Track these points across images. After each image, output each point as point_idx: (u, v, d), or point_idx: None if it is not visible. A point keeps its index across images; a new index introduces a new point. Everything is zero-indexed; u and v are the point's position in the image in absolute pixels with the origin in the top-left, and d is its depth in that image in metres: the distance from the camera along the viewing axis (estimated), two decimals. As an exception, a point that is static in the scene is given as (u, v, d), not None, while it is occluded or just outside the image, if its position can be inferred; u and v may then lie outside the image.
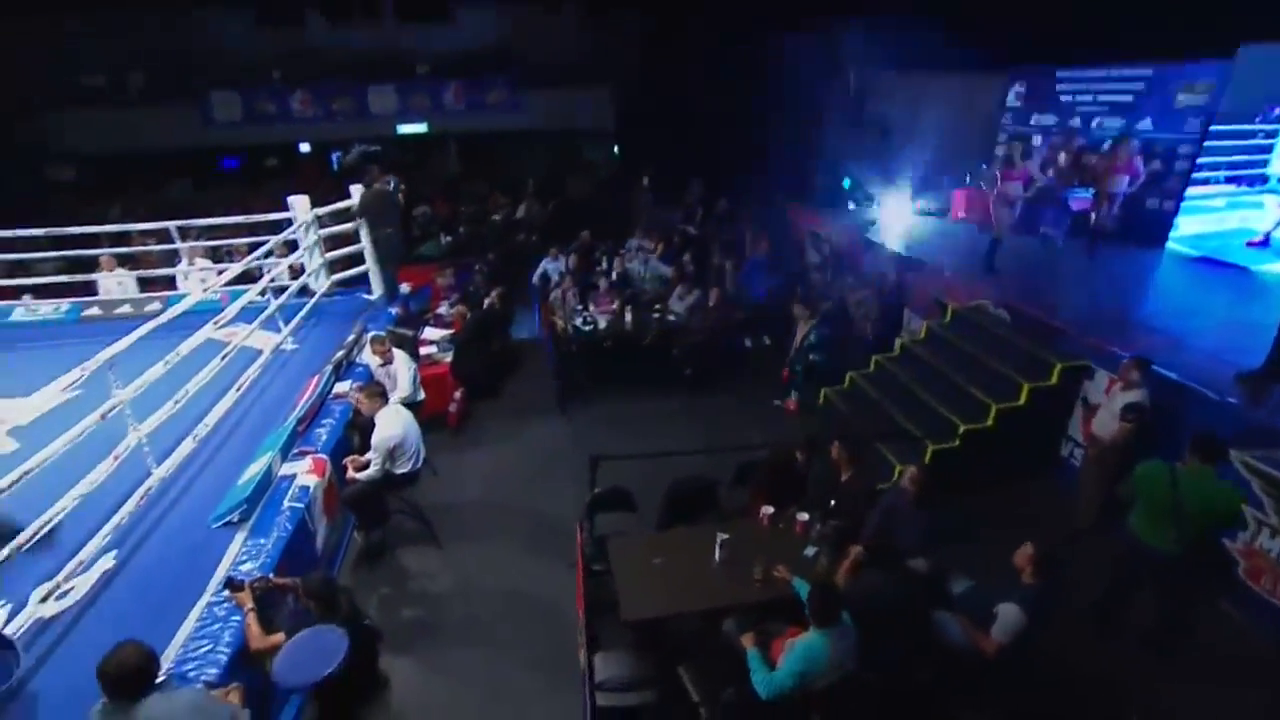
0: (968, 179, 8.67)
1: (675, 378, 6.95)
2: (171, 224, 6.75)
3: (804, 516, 3.85)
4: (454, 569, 4.70)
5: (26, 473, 3.03)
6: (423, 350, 6.52)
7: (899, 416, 5.51)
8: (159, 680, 2.50)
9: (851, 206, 9.45)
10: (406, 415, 4.60)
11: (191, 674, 2.85)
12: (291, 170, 14.39)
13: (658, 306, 7.51)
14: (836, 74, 10.56)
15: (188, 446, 4.19)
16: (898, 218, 8.41)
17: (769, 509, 3.94)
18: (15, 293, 7.35)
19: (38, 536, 3.19)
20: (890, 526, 3.75)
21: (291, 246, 6.92)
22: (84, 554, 3.36)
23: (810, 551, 3.68)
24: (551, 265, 8.65)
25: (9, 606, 3.15)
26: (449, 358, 6.58)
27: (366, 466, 4.42)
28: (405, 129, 13.99)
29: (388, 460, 4.38)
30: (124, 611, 3.21)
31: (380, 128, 13.86)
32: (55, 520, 3.29)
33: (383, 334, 5.36)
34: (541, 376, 7.24)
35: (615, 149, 16.06)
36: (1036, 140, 8.09)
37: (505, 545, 4.91)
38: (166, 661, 2.86)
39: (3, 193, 11.48)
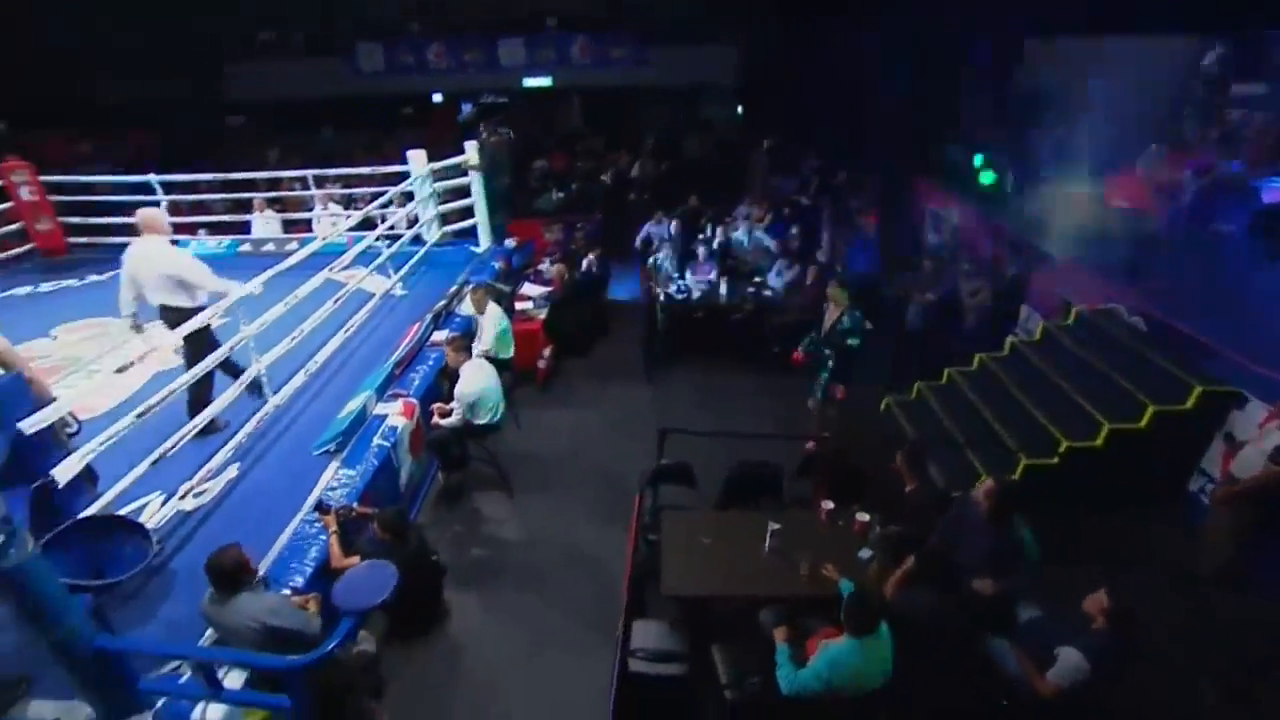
0: (1131, 161, 7.60)
1: (764, 355, 6.80)
2: (309, 172, 7.40)
3: (864, 517, 3.71)
4: (522, 518, 4.98)
5: (171, 391, 3.57)
6: (518, 305, 6.80)
7: (994, 423, 5.09)
8: (255, 580, 2.91)
9: (985, 186, 8.61)
10: (489, 370, 4.86)
11: (280, 579, 3.27)
12: (426, 119, 15.23)
13: (756, 279, 7.32)
14: (983, 36, 9.50)
15: (299, 379, 4.70)
16: (1038, 201, 7.56)
17: (829, 504, 3.83)
18: (193, 229, 8.43)
19: (181, 444, 3.74)
20: (957, 541, 3.53)
21: (409, 197, 7.39)
22: (214, 463, 3.90)
23: (865, 554, 3.55)
24: (655, 229, 8.62)
25: (162, 497, 3.73)
26: (543, 315, 6.81)
27: (450, 414, 4.74)
28: (531, 82, 14.30)
29: (468, 411, 4.67)
30: (240, 515, 3.73)
31: (508, 80, 14.24)
32: (194, 431, 3.84)
33: (479, 286, 5.63)
34: (634, 340, 7.34)
35: (738, 109, 15.57)
36: (1234, 116, 6.81)
37: (573, 502, 5.11)
38: (264, 565, 3.31)
39: (190, 138, 13.11)
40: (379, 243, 6.60)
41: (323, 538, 3.55)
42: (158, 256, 4.11)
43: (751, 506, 4.17)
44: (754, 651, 3.21)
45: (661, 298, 6.90)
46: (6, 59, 11.84)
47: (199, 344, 4.01)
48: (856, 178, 9.87)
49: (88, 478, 3.16)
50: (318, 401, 4.73)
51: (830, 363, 5.27)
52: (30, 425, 2.73)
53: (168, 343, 3.89)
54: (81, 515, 2.91)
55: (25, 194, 7.17)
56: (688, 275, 7.41)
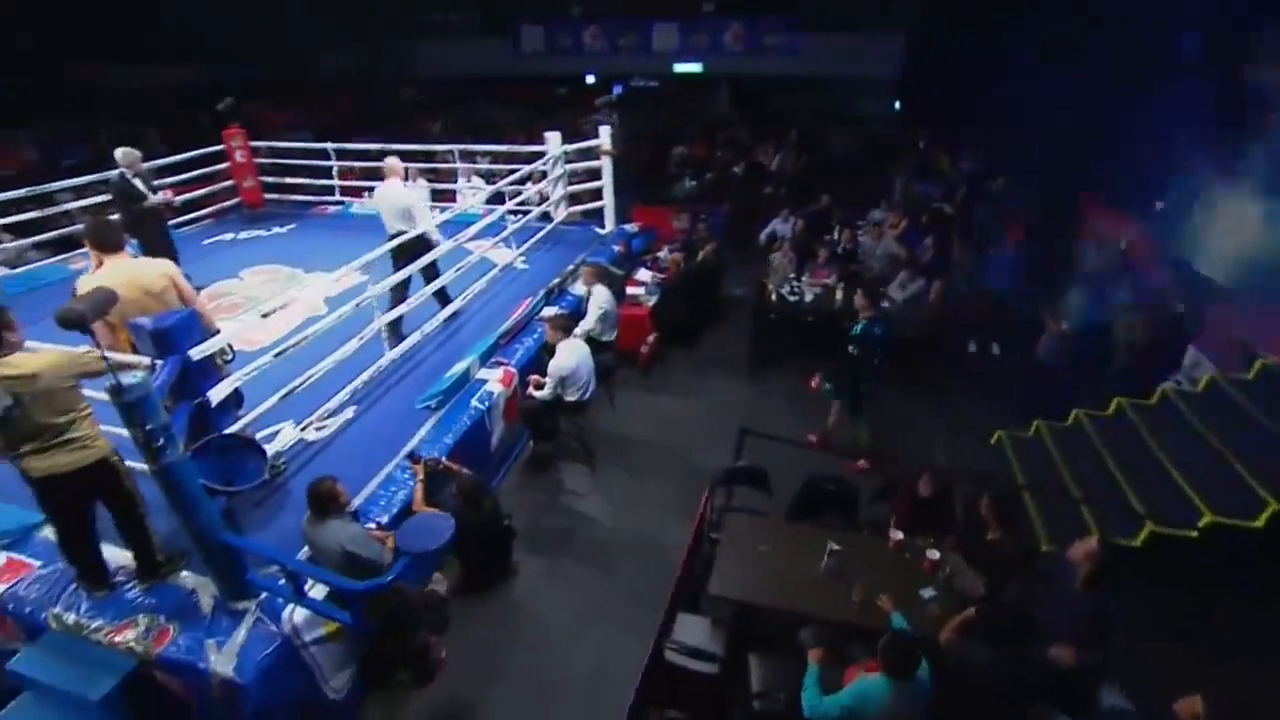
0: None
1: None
2: (455, 146, 8.03)
3: (935, 555, 3.49)
4: (600, 495, 5.18)
5: (304, 336, 4.12)
6: (629, 290, 6.97)
7: (1122, 479, 4.51)
8: (345, 510, 3.32)
9: (1164, 205, 7.50)
10: (583, 351, 5.07)
11: (368, 513, 3.69)
12: (578, 100, 15.83)
13: (881, 289, 6.95)
14: (1195, 32, 8.18)
15: (414, 338, 5.18)
16: (1233, 227, 6.47)
17: (899, 534, 3.64)
18: (358, 191, 9.46)
19: (310, 382, 4.31)
20: (1040, 600, 3.22)
21: (543, 175, 7.80)
22: (334, 403, 4.45)
23: (928, 593, 3.35)
24: (781, 226, 8.46)
25: (291, 424, 4.32)
26: (652, 301, 6.94)
27: (543, 387, 5.01)
28: (682, 68, 14.38)
29: (559, 386, 4.92)
30: (349, 452, 4.22)
31: (659, 65, 14.43)
32: (321, 373, 4.39)
33: (589, 266, 5.86)
34: (742, 336, 7.28)
35: (895, 104, 14.66)
36: None
37: (651, 487, 5.22)
38: (357, 500, 3.75)
39: (371, 108, 14.64)
40: (507, 217, 7.04)
41: (411, 484, 3.94)
42: (394, 194, 5.40)
43: (822, 523, 4.05)
44: (790, 668, 3.16)
45: (773, 297, 6.77)
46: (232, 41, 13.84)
47: (409, 256, 5.22)
48: (1015, 187, 9.00)
49: (235, 401, 3.74)
50: (428, 360, 5.20)
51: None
52: (197, 353, 3.29)
53: (317, 294, 4.49)
54: (223, 432, 3.45)
55: (239, 156, 8.43)
56: (804, 277, 7.20)
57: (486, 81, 15.23)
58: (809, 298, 6.75)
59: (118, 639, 3.01)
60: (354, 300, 4.64)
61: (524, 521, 4.70)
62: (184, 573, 3.28)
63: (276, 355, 4.01)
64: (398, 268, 5.17)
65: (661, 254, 7.93)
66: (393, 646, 3.54)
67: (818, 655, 2.95)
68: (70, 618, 3.11)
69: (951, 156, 10.72)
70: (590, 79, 15.86)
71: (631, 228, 8.31)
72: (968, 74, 11.50)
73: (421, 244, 5.32)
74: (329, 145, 8.55)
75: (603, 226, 8.06)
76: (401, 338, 5.18)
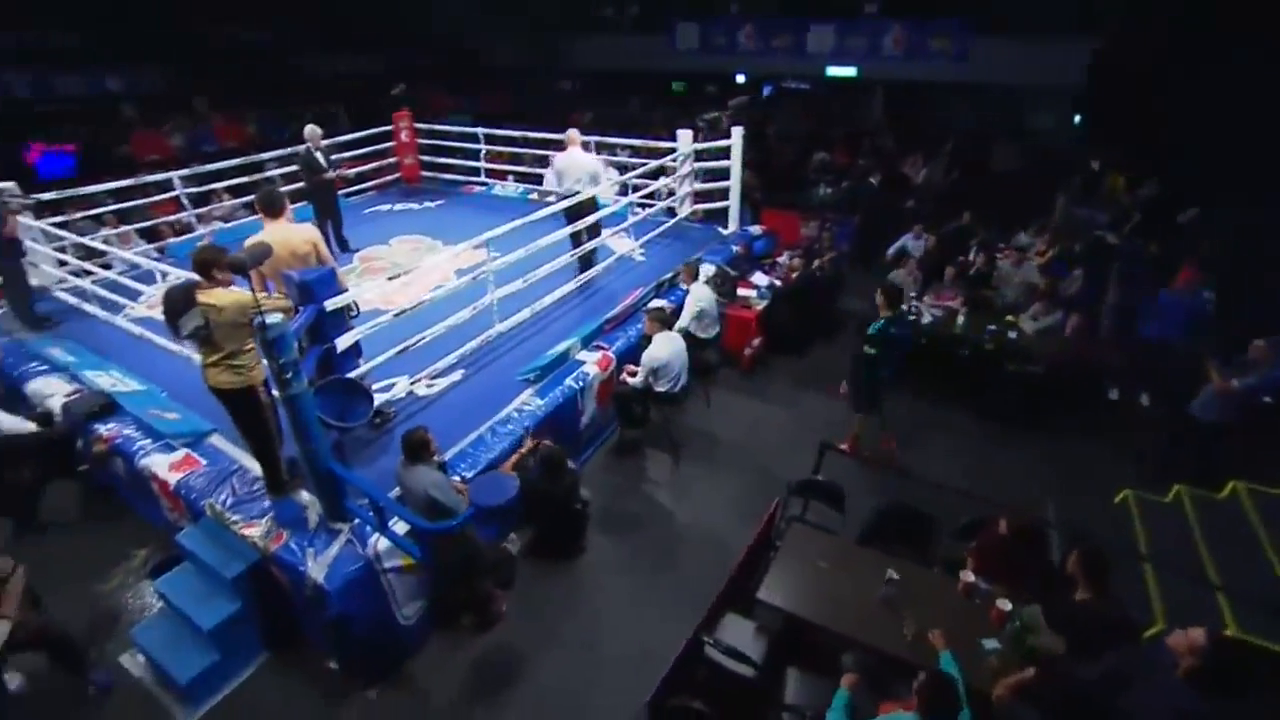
0: None
1: (986, 401, 6.01)
2: (594, 138, 8.40)
3: (1007, 605, 3.23)
4: (677, 487, 5.28)
5: (421, 302, 4.61)
6: (741, 291, 6.96)
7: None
8: (434, 459, 3.69)
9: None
10: (678, 344, 5.18)
11: (455, 467, 4.06)
12: (727, 98, 15.84)
13: (1009, 318, 6.42)
14: None
15: (524, 315, 5.56)
16: None
17: (971, 577, 3.41)
18: (503, 175, 10.21)
19: (424, 342, 4.80)
20: (1129, 684, 2.89)
21: (672, 172, 7.97)
22: (443, 364, 4.92)
23: (990, 644, 3.12)
24: (912, 242, 8.01)
25: (406, 379, 4.84)
26: (763, 305, 6.89)
27: (636, 375, 5.19)
28: (835, 71, 13.92)
29: (650, 376, 5.07)
30: (450, 410, 4.66)
31: (812, 67, 14.06)
32: (435, 335, 4.87)
33: (689, 263, 5.96)
34: (850, 352, 7.03)
35: (1075, 118, 13.22)
36: None
37: (730, 488, 5.23)
38: (449, 453, 4.14)
39: (529, 98, 15.61)
40: (633, 208, 7.30)
41: (498, 446, 4.29)
42: (582, 159, 6.35)
43: (892, 552, 3.87)
44: (827, 688, 3.09)
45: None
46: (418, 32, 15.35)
47: (581, 214, 6.18)
48: (1207, 221, 7.86)
49: (355, 352, 4.26)
50: (534, 337, 5.55)
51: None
52: (330, 304, 3.81)
53: (448, 264, 4.97)
54: (342, 376, 3.96)
55: (403, 136, 9.42)
56: (926, 298, 6.79)
57: (640, 77, 15.64)
58: (926, 319, 6.37)
59: (247, 533, 3.60)
60: (473, 273, 5.10)
61: (601, 501, 4.93)
62: (303, 492, 3.83)
63: (396, 315, 4.52)
64: (570, 222, 6.19)
65: (782, 259, 7.82)
66: (460, 591, 3.89)
67: (851, 680, 2.88)
68: (220, 509, 3.75)
69: (1129, 180, 9.52)
70: (741, 78, 15.79)
71: (755, 230, 8.26)
72: (1167, 86, 10.14)
73: (592, 205, 6.27)
74: (479, 130, 9.28)
75: (726, 226, 8.09)
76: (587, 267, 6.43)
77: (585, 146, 6.69)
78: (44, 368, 5.15)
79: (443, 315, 4.93)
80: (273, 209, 4.05)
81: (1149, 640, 3.47)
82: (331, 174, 6.62)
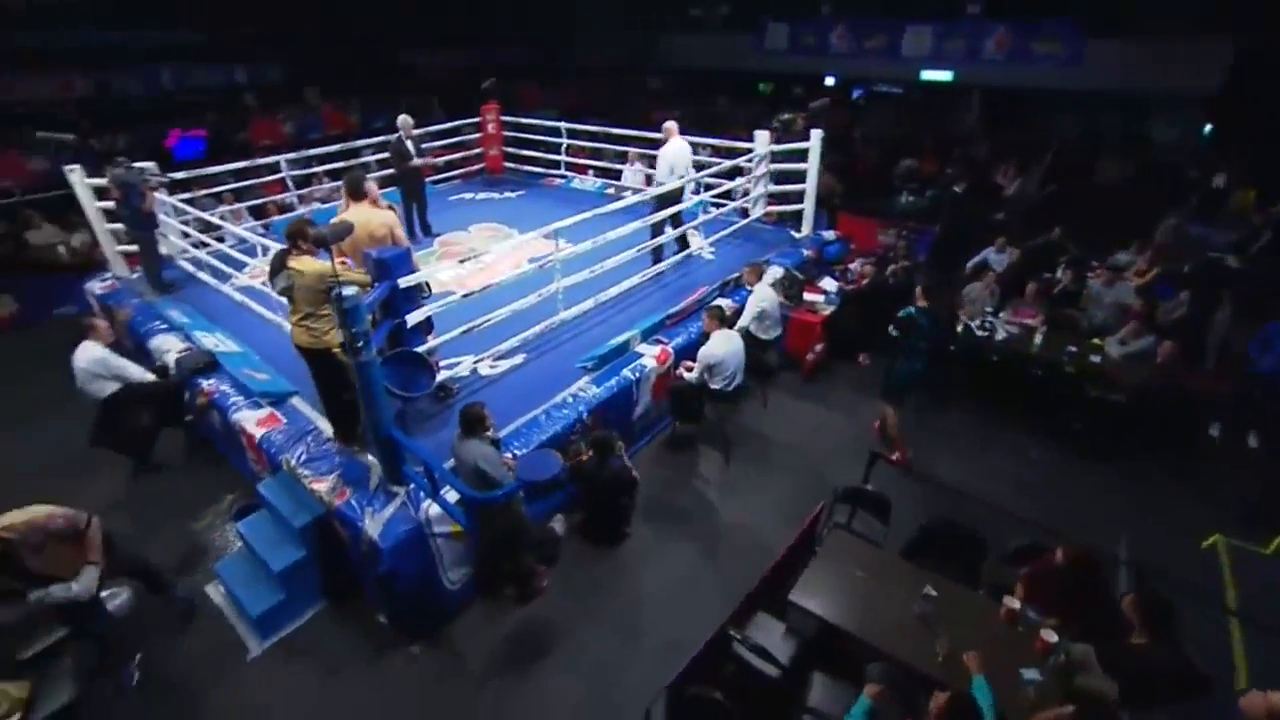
0: None
1: (1061, 426, 5.68)
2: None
3: (1053, 638, 3.09)
4: (725, 485, 5.29)
5: (488, 286, 4.84)
6: (807, 295, 6.86)
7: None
8: (487, 435, 3.89)
9: None
10: (735, 343, 5.19)
11: (509, 444, 4.26)
12: (809, 100, 15.52)
13: (1095, 340, 6.03)
14: None
15: (588, 304, 5.71)
16: None
17: (1016, 604, 3.27)
18: (583, 169, 10.46)
19: (489, 324, 5.04)
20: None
21: (746, 172, 7.95)
22: (506, 346, 5.14)
23: (1030, 675, 2.99)
24: (995, 256, 7.63)
25: (472, 358, 5.09)
26: (829, 310, 6.77)
27: (692, 370, 5.25)
28: (929, 75, 13.39)
29: (705, 372, 5.11)
30: (511, 390, 4.87)
31: (904, 70, 13.59)
32: (500, 318, 5.11)
33: (752, 265, 5.94)
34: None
35: (1206, 127, 12.14)
36: None
37: (778, 490, 5.20)
38: (503, 431, 4.34)
39: (617, 94, 15.86)
40: (706, 206, 7.34)
41: (551, 428, 4.46)
42: (683, 149, 6.58)
43: (935, 569, 3.76)
44: (851, 698, 3.05)
45: (959, 328, 6.22)
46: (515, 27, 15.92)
47: (669, 202, 6.47)
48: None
49: (426, 328, 4.53)
50: (597, 327, 5.70)
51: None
52: (403, 282, 4.08)
53: (518, 252, 5.21)
54: (410, 349, 4.23)
55: (490, 128, 9.83)
56: (1003, 314, 6.47)
57: (728, 76, 15.58)
58: (1001, 335, 6.07)
59: (315, 488, 3.93)
60: (540, 262, 5.31)
61: (649, 491, 5.02)
62: (367, 455, 4.12)
63: (464, 297, 4.77)
64: (657, 209, 6.50)
65: (854, 265, 7.64)
66: (504, 563, 4.08)
67: (874, 691, 2.84)
68: (294, 464, 4.11)
69: (1260, 196, 8.67)
70: (830, 80, 15.45)
71: (829, 235, 8.12)
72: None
73: (678, 195, 6.60)
74: (562, 124, 9.55)
75: (799, 230, 7.99)
76: (659, 259, 6.71)
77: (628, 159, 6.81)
78: (164, 327, 5.76)
79: (509, 300, 5.16)
80: (356, 193, 4.39)
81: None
82: (419, 161, 7.03)
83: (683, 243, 7.00)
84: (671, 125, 6.73)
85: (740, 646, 3.38)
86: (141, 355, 5.63)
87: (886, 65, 13.65)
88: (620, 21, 16.33)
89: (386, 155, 7.56)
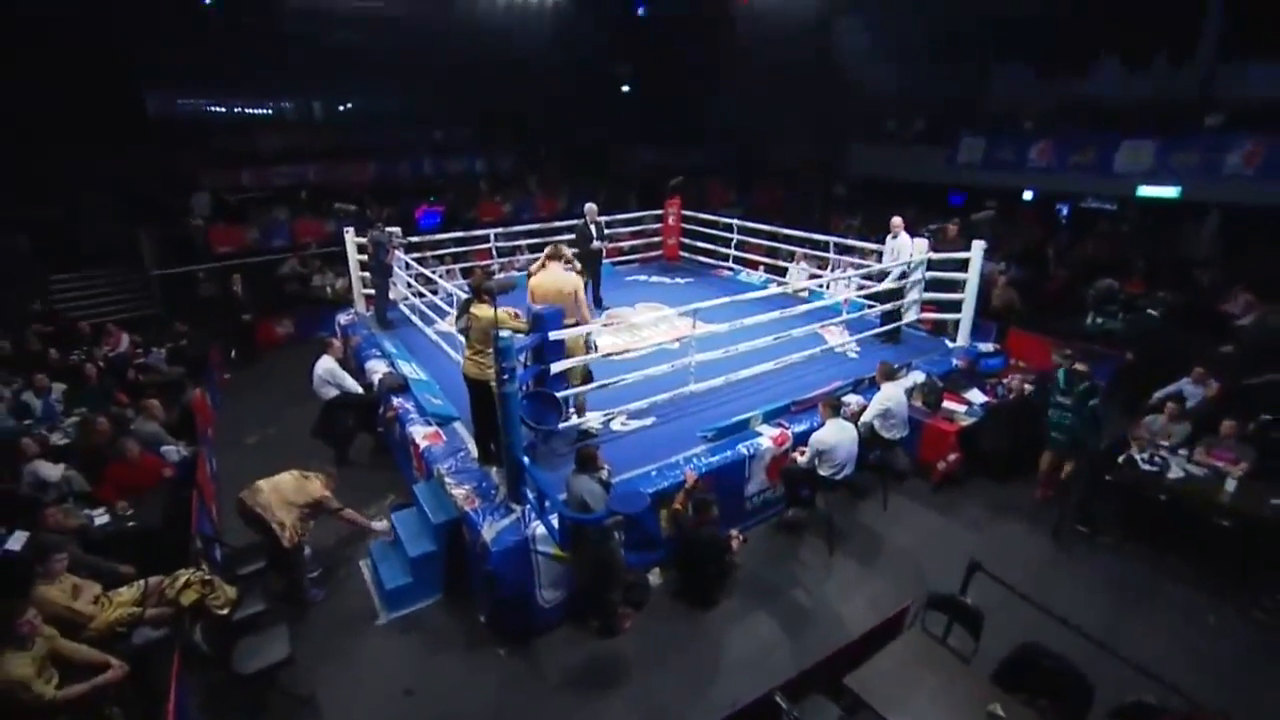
0: None
1: (1251, 590, 4.80)
2: (833, 239, 8.86)
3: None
4: (823, 573, 5.26)
5: (626, 351, 5.53)
6: (948, 404, 6.62)
7: None
8: (597, 473, 4.42)
9: None
10: (849, 433, 5.27)
11: (629, 492, 4.70)
12: (1010, 214, 14.86)
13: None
14: None
15: (717, 381, 6.14)
16: None
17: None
18: (755, 264, 11.06)
19: (624, 384, 5.68)
20: None
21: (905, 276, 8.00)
22: (637, 406, 5.73)
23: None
24: (1191, 388, 6.76)
25: (606, 412, 5.74)
26: (968, 422, 6.47)
27: (804, 454, 5.38)
28: (1149, 191, 12.25)
29: (815, 457, 5.23)
30: (636, 446, 5.41)
31: (1117, 186, 12.60)
32: (632, 380, 5.72)
33: (884, 363, 5.99)
34: (1068, 493, 6.16)
35: None
36: None
37: (877, 588, 5.08)
38: (617, 478, 4.83)
39: (807, 199, 16.65)
40: (859, 304, 7.59)
41: (661, 483, 4.90)
42: (907, 242, 7.50)
43: (1022, 699, 3.46)
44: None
45: (1122, 459, 5.61)
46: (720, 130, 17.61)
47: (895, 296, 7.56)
48: None
49: (583, 377, 5.32)
50: (727, 403, 6.06)
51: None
52: (553, 335, 4.89)
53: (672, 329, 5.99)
54: (549, 391, 4.98)
55: (670, 220, 10.97)
56: (1195, 453, 5.69)
57: (918, 186, 15.57)
58: (1176, 473, 5.35)
59: (454, 493, 4.73)
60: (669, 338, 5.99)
61: (749, 567, 5.21)
62: (499, 475, 4.86)
63: (604, 357, 5.50)
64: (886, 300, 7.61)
65: (1009, 380, 7.22)
66: (593, 595, 4.50)
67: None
68: (443, 472, 4.99)
69: None
70: (1028, 194, 14.73)
71: (986, 347, 7.80)
72: None
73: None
74: (734, 220, 10.36)
75: (954, 339, 7.80)
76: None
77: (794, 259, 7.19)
78: (378, 354, 7.28)
79: (647, 366, 5.82)
80: (554, 256, 5.42)
81: None
82: (598, 244, 8.16)
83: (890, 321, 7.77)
84: (897, 221, 7.70)
85: (786, 717, 3.39)
86: (359, 373, 7.14)
87: (1096, 180, 12.78)
88: (813, 131, 17.26)
89: (573, 236, 8.85)
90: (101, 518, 4.86)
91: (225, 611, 4.11)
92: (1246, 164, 11.09)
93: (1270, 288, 9.34)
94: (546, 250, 5.53)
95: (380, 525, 5.12)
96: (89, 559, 4.23)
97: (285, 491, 4.58)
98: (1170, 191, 12.03)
